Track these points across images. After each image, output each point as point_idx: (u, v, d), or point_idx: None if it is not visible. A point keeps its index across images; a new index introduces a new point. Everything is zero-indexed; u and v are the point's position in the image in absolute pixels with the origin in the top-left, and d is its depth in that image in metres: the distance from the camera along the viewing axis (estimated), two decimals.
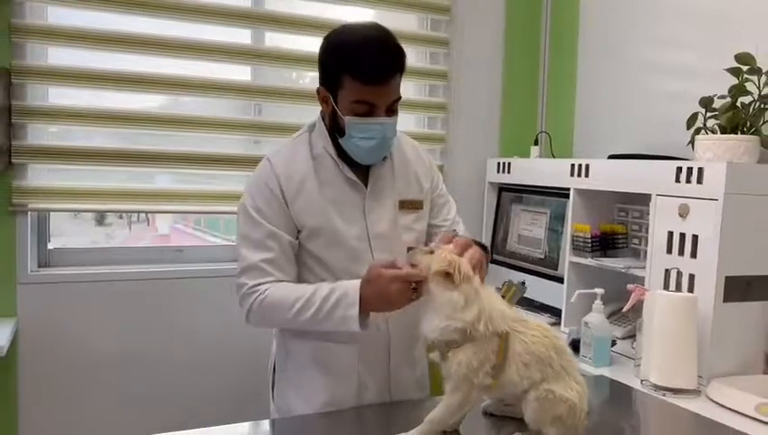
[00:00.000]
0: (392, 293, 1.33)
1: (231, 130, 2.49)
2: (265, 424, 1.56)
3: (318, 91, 1.53)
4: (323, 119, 1.57)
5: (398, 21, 2.73)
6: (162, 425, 1.41)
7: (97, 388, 2.31)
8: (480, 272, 1.32)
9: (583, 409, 1.27)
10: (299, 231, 1.53)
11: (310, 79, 2.65)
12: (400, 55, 1.46)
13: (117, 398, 2.33)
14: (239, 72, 2.54)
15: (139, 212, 2.81)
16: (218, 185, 2.50)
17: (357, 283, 1.41)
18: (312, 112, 2.39)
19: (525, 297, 2.53)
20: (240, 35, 2.49)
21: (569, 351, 1.31)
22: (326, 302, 1.42)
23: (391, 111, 1.48)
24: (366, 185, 1.57)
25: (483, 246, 1.49)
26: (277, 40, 2.55)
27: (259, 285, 1.48)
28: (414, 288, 1.31)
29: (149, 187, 2.42)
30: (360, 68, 1.41)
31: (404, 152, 1.66)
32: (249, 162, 2.49)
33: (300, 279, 1.56)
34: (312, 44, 2.51)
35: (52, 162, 2.26)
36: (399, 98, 1.49)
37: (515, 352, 1.24)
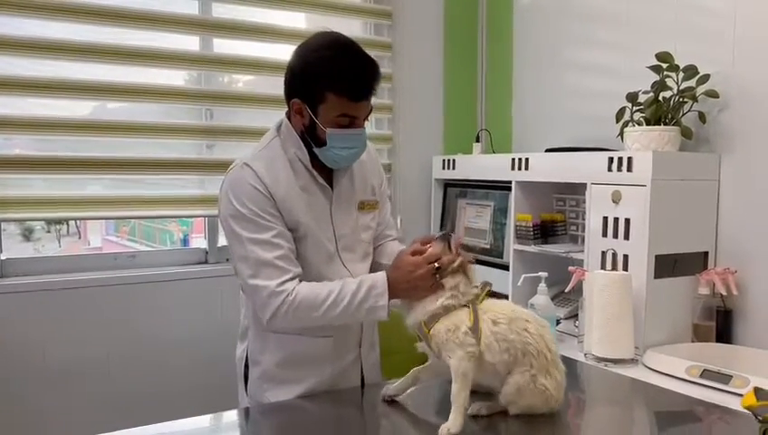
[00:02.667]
0: (418, 276, 1.43)
1: (184, 136, 2.52)
2: (240, 413, 1.61)
3: (291, 103, 1.54)
4: (294, 128, 1.58)
5: (342, 26, 2.82)
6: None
7: (57, 396, 2.29)
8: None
9: (558, 400, 1.38)
10: (291, 230, 1.56)
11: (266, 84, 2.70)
12: (379, 72, 1.52)
13: (77, 404, 2.32)
14: (189, 78, 2.58)
15: (96, 219, 2.79)
16: (179, 189, 2.53)
17: (382, 273, 1.51)
18: (264, 117, 2.53)
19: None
20: (189, 42, 2.53)
21: (547, 324, 1.44)
22: (356, 295, 1.49)
23: (366, 119, 1.56)
24: (332, 188, 1.63)
25: None
26: (225, 46, 2.60)
27: (283, 283, 1.48)
28: (437, 269, 1.42)
29: (106, 193, 2.42)
30: (347, 86, 1.47)
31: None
32: (203, 166, 2.55)
33: None
34: (258, 50, 2.59)
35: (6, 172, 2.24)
36: (372, 109, 1.57)
37: (485, 315, 1.37)
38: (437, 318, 1.38)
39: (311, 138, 1.55)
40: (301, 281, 1.52)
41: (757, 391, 1.19)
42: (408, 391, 1.50)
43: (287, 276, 1.50)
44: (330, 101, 1.48)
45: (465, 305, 1.39)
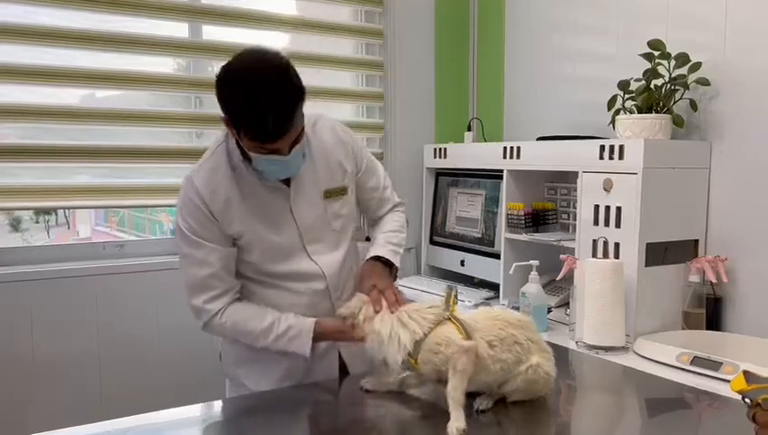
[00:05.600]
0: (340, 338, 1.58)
1: (173, 124, 2.49)
2: (232, 402, 1.62)
3: (222, 119, 1.46)
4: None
5: (332, 13, 2.81)
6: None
7: (45, 385, 2.28)
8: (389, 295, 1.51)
9: (553, 377, 1.41)
10: (235, 239, 1.56)
11: None
12: (294, 104, 1.41)
13: (65, 394, 2.30)
14: (178, 65, 2.55)
15: (84, 208, 2.76)
16: (169, 178, 2.50)
17: (311, 324, 1.57)
18: None
19: (465, 274, 2.71)
20: (177, 29, 2.50)
21: (529, 320, 1.44)
22: (281, 338, 1.56)
23: (296, 142, 1.46)
24: (288, 184, 1.58)
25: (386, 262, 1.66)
26: (214, 33, 2.57)
27: (209, 301, 1.55)
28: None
29: (95, 182, 2.40)
30: (253, 133, 1.41)
31: (323, 140, 1.64)
32: (192, 155, 2.52)
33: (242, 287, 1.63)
34: (248, 37, 2.56)
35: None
36: (302, 130, 1.47)
37: (478, 334, 1.35)
38: (420, 345, 1.37)
39: (243, 153, 1.52)
40: (235, 296, 1.58)
41: (747, 374, 1.18)
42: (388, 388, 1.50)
43: (214, 292, 1.56)
44: (246, 137, 1.43)
45: (441, 321, 1.38)
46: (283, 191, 1.58)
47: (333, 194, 1.65)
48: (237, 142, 1.51)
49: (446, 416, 1.27)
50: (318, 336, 1.57)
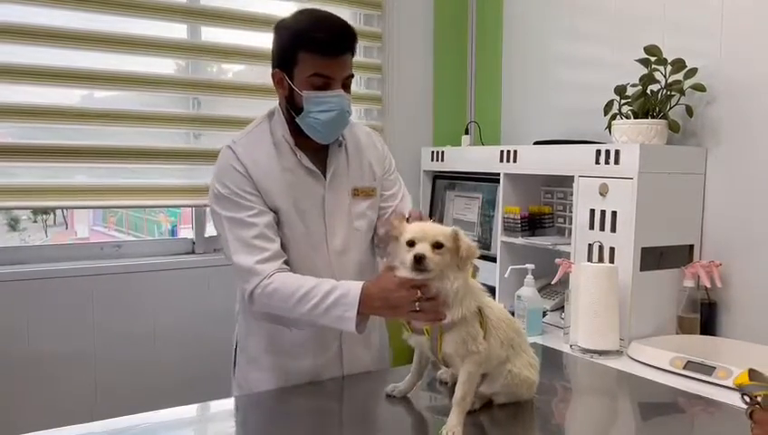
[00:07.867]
0: (397, 298, 1.34)
1: (171, 125, 2.50)
2: (229, 402, 1.61)
3: (273, 75, 1.56)
4: (280, 105, 1.60)
5: None
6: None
7: (42, 385, 2.28)
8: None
9: (536, 382, 1.42)
10: (273, 212, 1.56)
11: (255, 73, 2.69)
12: (353, 33, 1.53)
13: (63, 394, 2.30)
14: (177, 66, 2.56)
15: (82, 208, 2.77)
16: (166, 179, 2.51)
17: (359, 284, 1.42)
18: (251, 106, 2.51)
19: None
20: (176, 30, 2.50)
21: (523, 330, 1.45)
22: (326, 298, 1.42)
23: (345, 86, 1.54)
24: (324, 174, 1.60)
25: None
26: (213, 34, 2.57)
27: (259, 263, 1.48)
28: (418, 299, 1.31)
29: (93, 182, 2.40)
30: (315, 41, 1.47)
31: (358, 139, 1.69)
32: (190, 156, 2.53)
33: None
34: (247, 38, 2.57)
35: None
36: (353, 75, 1.56)
37: (491, 325, 1.34)
38: (450, 328, 1.30)
39: (292, 109, 1.55)
40: (283, 262, 1.52)
41: (752, 372, 1.17)
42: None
43: (265, 255, 1.49)
44: (303, 61, 1.49)
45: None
46: (319, 178, 1.60)
47: (362, 193, 1.67)
48: (287, 99, 1.55)
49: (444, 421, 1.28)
50: (369, 297, 1.40)
